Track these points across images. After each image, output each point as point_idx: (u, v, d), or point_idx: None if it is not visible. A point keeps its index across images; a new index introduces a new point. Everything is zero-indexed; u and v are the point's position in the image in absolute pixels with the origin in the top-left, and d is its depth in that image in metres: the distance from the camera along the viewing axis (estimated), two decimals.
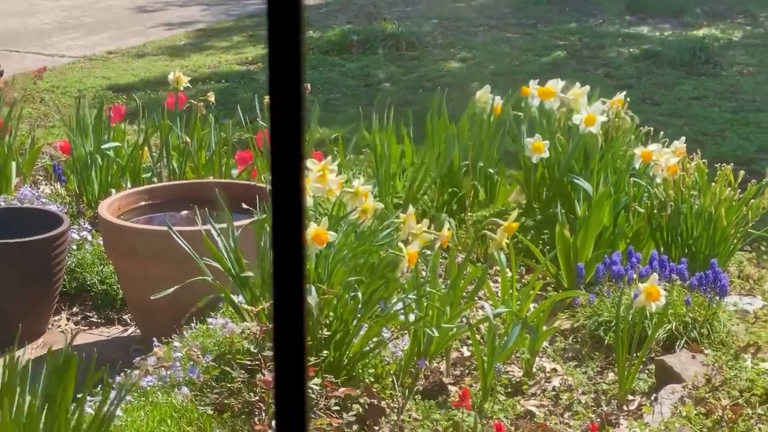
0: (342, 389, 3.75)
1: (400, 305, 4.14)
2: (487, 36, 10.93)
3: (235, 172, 5.86)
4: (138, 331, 4.93)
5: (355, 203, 4.30)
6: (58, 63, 9.99)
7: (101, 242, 5.11)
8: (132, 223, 4.83)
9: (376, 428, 3.90)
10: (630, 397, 4.23)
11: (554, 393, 4.27)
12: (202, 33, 11.41)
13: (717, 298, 4.57)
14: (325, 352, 3.91)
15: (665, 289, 4.20)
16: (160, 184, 5.47)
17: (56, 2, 12.72)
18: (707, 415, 3.93)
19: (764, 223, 5.21)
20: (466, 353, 4.52)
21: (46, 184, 6.31)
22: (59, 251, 4.89)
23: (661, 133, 5.49)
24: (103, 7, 12.48)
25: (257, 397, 3.61)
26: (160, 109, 6.18)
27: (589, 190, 5.27)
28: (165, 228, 4.38)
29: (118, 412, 3.50)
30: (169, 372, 3.92)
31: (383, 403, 3.97)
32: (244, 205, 4.52)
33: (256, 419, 3.58)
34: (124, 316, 5.10)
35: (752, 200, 5.05)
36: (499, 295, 4.60)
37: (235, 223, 4.26)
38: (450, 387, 4.24)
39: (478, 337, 4.29)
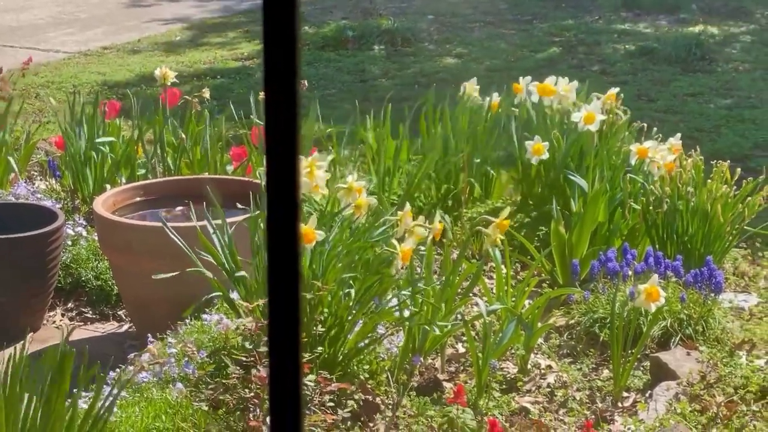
0: (337, 385, 3.75)
1: (395, 301, 4.14)
2: (483, 32, 10.92)
3: (230, 168, 5.85)
4: (133, 326, 4.92)
5: (349, 199, 4.30)
6: (52, 58, 9.98)
7: (96, 238, 5.10)
8: (127, 219, 4.83)
9: (371, 424, 3.90)
10: (625, 394, 4.23)
11: (549, 390, 4.27)
12: (197, 29, 11.39)
13: (712, 295, 4.57)
14: (320, 348, 3.90)
15: (660, 286, 4.20)
16: (155, 180, 5.47)
17: None
18: (702, 411, 3.93)
19: (760, 221, 5.21)
20: (461, 350, 4.52)
21: (41, 180, 6.30)
22: (54, 247, 4.88)
23: (655, 129, 5.49)
24: (98, 2, 12.46)
25: (252, 394, 3.61)
26: (155, 105, 6.17)
27: (585, 186, 5.27)
28: (160, 224, 4.37)
29: (114, 409, 3.49)
30: (164, 368, 3.92)
31: (378, 400, 3.97)
32: (239, 205, 4.51)
33: (251, 415, 3.57)
34: (119, 312, 5.09)
35: (748, 197, 5.05)
36: (494, 291, 4.60)
37: (230, 220, 4.26)
38: (445, 383, 4.24)
39: (473, 333, 4.29)
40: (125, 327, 5.00)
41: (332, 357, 3.97)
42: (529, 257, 5.07)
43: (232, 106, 6.23)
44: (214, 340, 3.99)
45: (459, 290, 4.40)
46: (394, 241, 4.08)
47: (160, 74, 6.16)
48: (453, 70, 9.39)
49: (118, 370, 3.96)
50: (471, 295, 4.52)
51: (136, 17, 11.81)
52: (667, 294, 4.45)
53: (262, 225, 4.05)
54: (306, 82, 7.58)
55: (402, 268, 4.10)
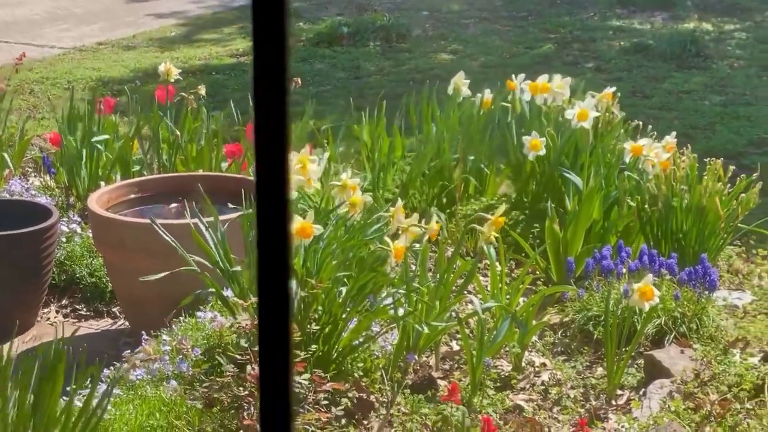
0: (330, 383, 3.74)
1: (389, 299, 4.13)
2: (478, 28, 10.92)
3: (225, 165, 5.84)
4: (127, 323, 4.92)
5: (343, 197, 4.29)
6: (48, 54, 9.96)
7: (90, 235, 5.09)
8: (121, 216, 4.82)
9: (365, 422, 3.90)
10: (619, 392, 4.23)
11: (543, 387, 4.27)
12: (192, 25, 11.38)
13: (706, 292, 4.57)
14: (314, 346, 3.90)
15: (654, 284, 4.20)
16: (149, 177, 5.46)
17: None
18: (696, 409, 3.93)
19: (754, 218, 5.21)
20: (456, 347, 4.51)
21: (35, 177, 6.29)
22: (48, 244, 4.87)
23: (649, 126, 5.49)
24: None
25: (246, 392, 3.60)
26: (150, 101, 6.16)
27: (579, 184, 5.27)
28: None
29: (108, 406, 3.49)
30: (158, 365, 3.91)
31: (372, 398, 3.96)
32: (230, 204, 4.50)
33: (245, 413, 3.57)
34: (113, 309, 5.09)
35: (742, 195, 5.05)
36: (489, 289, 4.60)
37: (224, 217, 4.25)
38: (439, 381, 4.23)
39: (467, 331, 4.29)
40: (119, 324, 5.00)
41: (326, 355, 3.97)
42: (523, 255, 5.07)
43: (231, 104, 6.22)
44: (208, 338, 3.99)
45: (453, 288, 4.40)
46: (388, 239, 4.07)
47: (163, 70, 6.15)
48: (448, 66, 9.39)
49: (112, 367, 3.95)
50: (465, 292, 4.51)
51: (131, 13, 11.80)
52: (662, 292, 4.45)
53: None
54: (300, 78, 7.57)
55: (396, 265, 4.10)
